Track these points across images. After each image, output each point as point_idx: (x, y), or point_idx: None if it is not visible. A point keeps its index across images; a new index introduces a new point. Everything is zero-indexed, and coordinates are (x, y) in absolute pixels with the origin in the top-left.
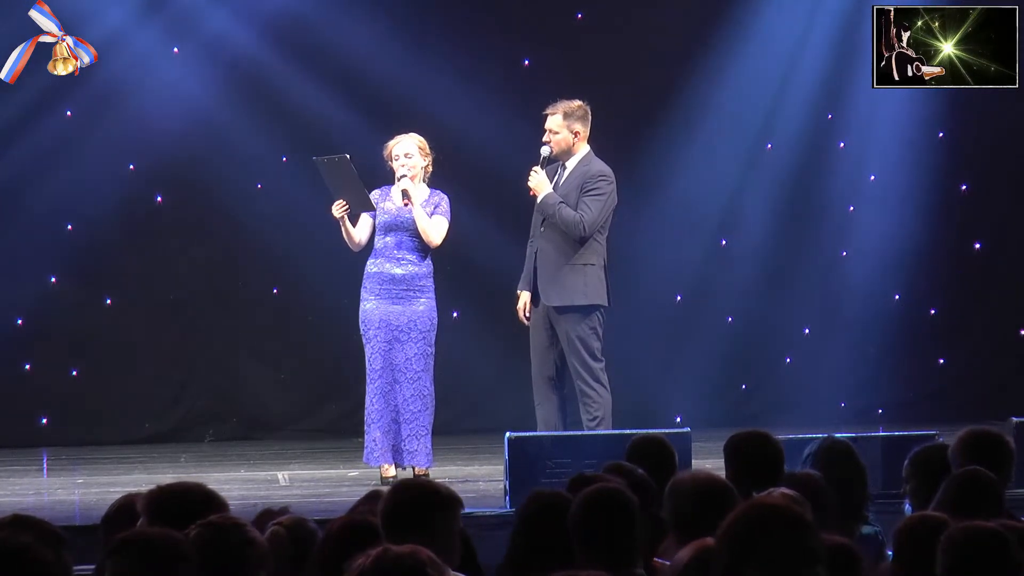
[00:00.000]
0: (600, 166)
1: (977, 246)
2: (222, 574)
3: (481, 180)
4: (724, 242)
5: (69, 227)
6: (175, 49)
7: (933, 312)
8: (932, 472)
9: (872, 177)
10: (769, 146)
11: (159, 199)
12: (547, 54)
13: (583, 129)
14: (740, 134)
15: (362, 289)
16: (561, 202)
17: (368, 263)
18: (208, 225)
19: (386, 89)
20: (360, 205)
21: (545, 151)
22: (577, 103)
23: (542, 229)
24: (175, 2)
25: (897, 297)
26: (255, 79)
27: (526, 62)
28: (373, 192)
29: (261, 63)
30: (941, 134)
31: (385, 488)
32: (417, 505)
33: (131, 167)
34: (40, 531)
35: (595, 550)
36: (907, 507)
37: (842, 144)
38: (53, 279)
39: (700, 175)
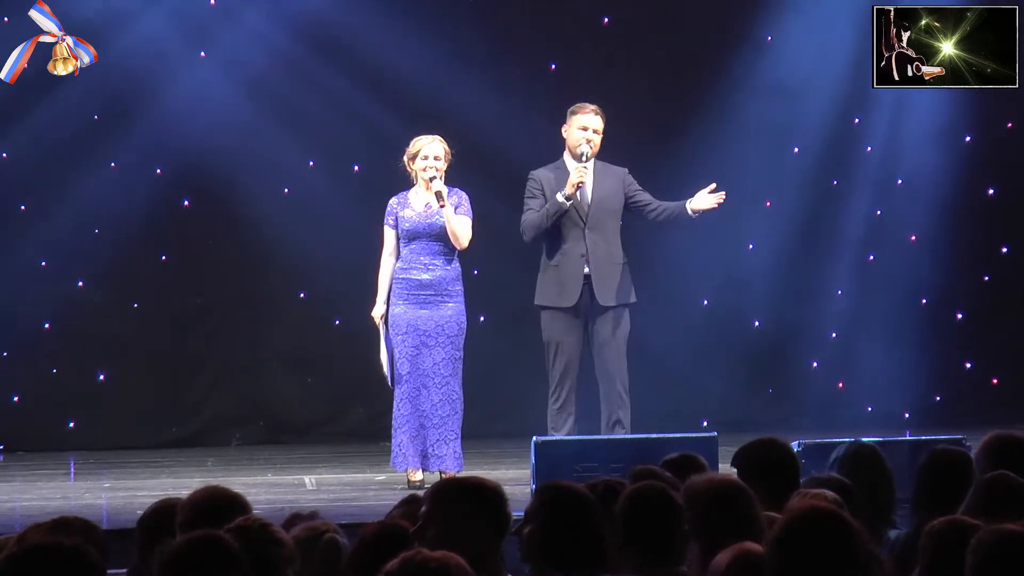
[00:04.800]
0: (617, 167)
1: (1004, 250)
2: (253, 573)
3: (508, 182)
4: (751, 246)
5: (96, 231)
6: (202, 53)
7: (960, 316)
8: (937, 477)
9: (899, 181)
10: (796, 150)
11: (186, 203)
12: (573, 58)
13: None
14: (766, 138)
15: (391, 294)
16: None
17: (397, 268)
18: (235, 230)
19: (414, 93)
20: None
21: (586, 150)
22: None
23: (587, 230)
24: (203, 7)
25: (924, 301)
26: (282, 84)
27: (552, 66)
28: (392, 200)
29: (289, 68)
30: (968, 138)
31: (416, 492)
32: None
33: (158, 171)
34: (87, 533)
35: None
36: None
37: (869, 148)
38: (80, 283)
39: (726, 179)
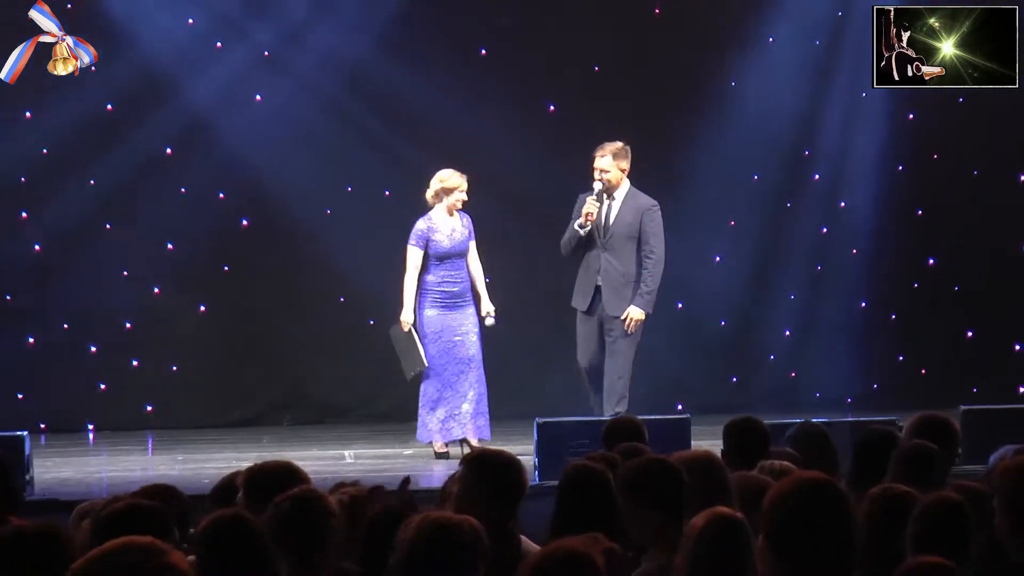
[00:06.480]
0: (648, 198)
1: (931, 261)
2: (302, 535)
3: (513, 205)
4: (718, 259)
5: (170, 246)
6: (258, 97)
7: (894, 317)
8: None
9: (842, 204)
10: (756, 177)
11: (245, 223)
12: (568, 101)
13: (627, 166)
14: (731, 167)
15: (422, 298)
16: (641, 297)
17: (429, 279)
18: (286, 244)
19: (435, 130)
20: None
21: (598, 187)
22: (620, 144)
23: (603, 250)
24: (258, 57)
25: (863, 304)
26: (325, 122)
27: (551, 107)
28: (420, 221)
29: (330, 108)
30: (900, 167)
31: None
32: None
33: (221, 196)
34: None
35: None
36: None
37: (816, 176)
38: (156, 289)
39: (697, 201)
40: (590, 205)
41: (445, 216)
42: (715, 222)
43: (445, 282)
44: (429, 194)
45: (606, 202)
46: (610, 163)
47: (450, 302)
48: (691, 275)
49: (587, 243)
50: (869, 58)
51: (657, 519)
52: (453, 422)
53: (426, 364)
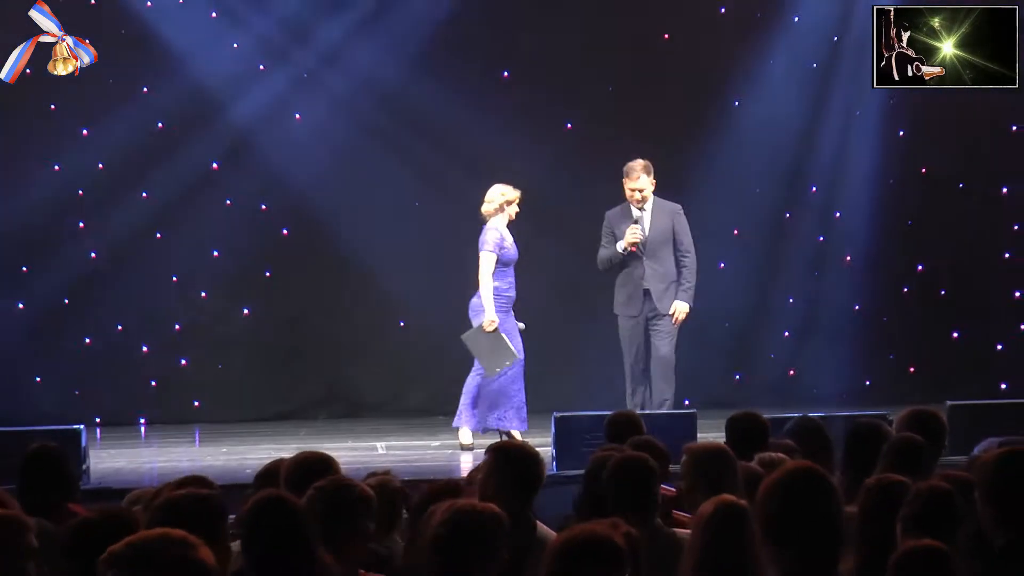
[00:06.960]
0: (671, 202)
1: (919, 268)
2: (338, 520)
3: (534, 212)
4: (722, 265)
5: (216, 254)
6: (297, 116)
7: (885, 319)
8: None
9: (837, 214)
10: (758, 190)
11: (285, 232)
12: (584, 119)
13: (654, 177)
14: (735, 180)
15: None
16: (684, 292)
17: (498, 284)
18: (323, 252)
19: (462, 146)
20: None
21: (637, 214)
22: (643, 161)
23: (645, 258)
24: (298, 79)
25: (857, 307)
26: (359, 138)
27: (568, 125)
28: (492, 231)
29: (364, 125)
30: (891, 181)
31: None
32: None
33: (263, 207)
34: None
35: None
36: None
37: (814, 188)
38: (203, 294)
39: (704, 213)
40: (635, 234)
41: (506, 226)
42: (720, 231)
43: (510, 287)
44: (491, 207)
45: (637, 216)
46: (645, 181)
47: (507, 306)
48: (698, 280)
49: (627, 257)
50: (863, 81)
51: (633, 511)
52: (492, 415)
53: (518, 356)
